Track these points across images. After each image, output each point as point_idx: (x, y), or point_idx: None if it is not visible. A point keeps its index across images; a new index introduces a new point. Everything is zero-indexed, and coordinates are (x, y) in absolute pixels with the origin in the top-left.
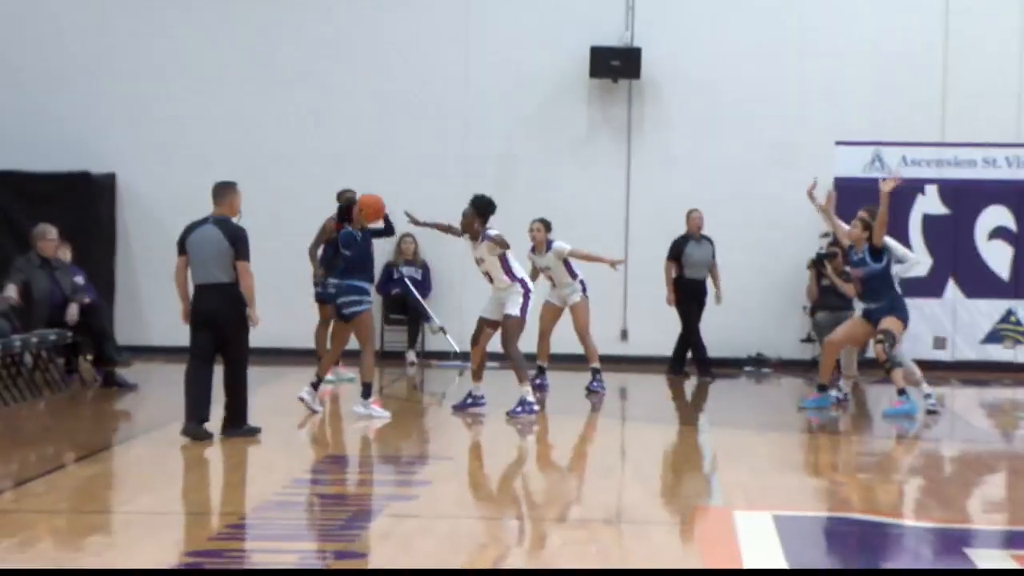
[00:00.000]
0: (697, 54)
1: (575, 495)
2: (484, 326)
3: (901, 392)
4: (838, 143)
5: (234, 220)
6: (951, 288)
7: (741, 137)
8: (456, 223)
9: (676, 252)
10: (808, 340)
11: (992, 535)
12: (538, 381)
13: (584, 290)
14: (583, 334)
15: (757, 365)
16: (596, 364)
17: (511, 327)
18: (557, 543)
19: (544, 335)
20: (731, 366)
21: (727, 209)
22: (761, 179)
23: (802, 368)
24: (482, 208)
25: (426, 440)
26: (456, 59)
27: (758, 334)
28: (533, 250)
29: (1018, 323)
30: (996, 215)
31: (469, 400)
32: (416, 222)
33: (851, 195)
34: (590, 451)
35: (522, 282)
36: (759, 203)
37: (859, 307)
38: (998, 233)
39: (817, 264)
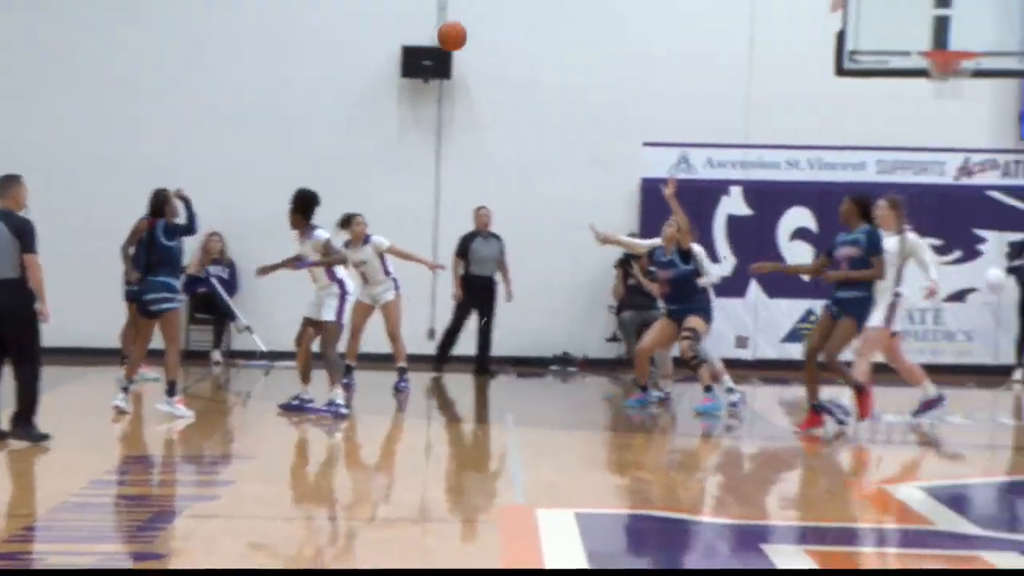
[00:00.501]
0: (508, 55)
1: (380, 494)
2: (306, 326)
3: (707, 389)
4: (646, 144)
5: (19, 214)
6: (753, 288)
7: (551, 138)
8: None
9: (463, 249)
10: (614, 339)
11: (788, 531)
12: (345, 380)
13: (397, 288)
14: (394, 334)
15: (563, 364)
16: (403, 363)
17: (329, 332)
18: (361, 542)
19: (355, 334)
20: (537, 365)
21: (535, 209)
22: (571, 179)
23: (607, 367)
24: (301, 202)
25: (230, 440)
26: (271, 59)
27: (564, 333)
28: (348, 244)
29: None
30: (798, 216)
31: (296, 401)
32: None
33: (658, 195)
34: (396, 450)
35: (340, 283)
36: (568, 203)
37: (664, 308)
38: (800, 234)
39: (624, 264)
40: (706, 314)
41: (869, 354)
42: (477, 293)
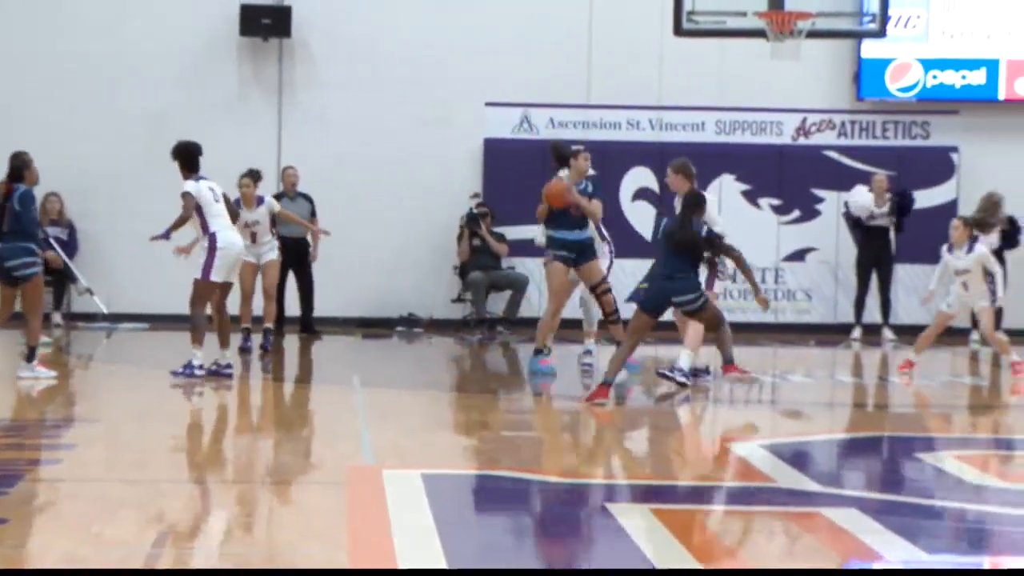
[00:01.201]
0: (349, 13)
1: (226, 456)
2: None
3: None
4: (488, 104)
5: None
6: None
7: (394, 97)
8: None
9: None
10: (459, 300)
11: (633, 489)
12: (241, 344)
13: (279, 248)
14: (271, 293)
15: (409, 325)
16: (272, 324)
17: (194, 288)
18: (206, 504)
19: (247, 297)
20: (383, 326)
21: (380, 168)
22: (414, 139)
23: (453, 327)
24: (177, 155)
25: (72, 403)
26: (105, 14)
27: (409, 294)
28: (239, 203)
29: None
30: (640, 176)
31: (214, 367)
32: None
33: (501, 156)
34: (243, 412)
35: (212, 237)
36: (411, 163)
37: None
38: (642, 194)
39: (470, 223)
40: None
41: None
42: (288, 254)
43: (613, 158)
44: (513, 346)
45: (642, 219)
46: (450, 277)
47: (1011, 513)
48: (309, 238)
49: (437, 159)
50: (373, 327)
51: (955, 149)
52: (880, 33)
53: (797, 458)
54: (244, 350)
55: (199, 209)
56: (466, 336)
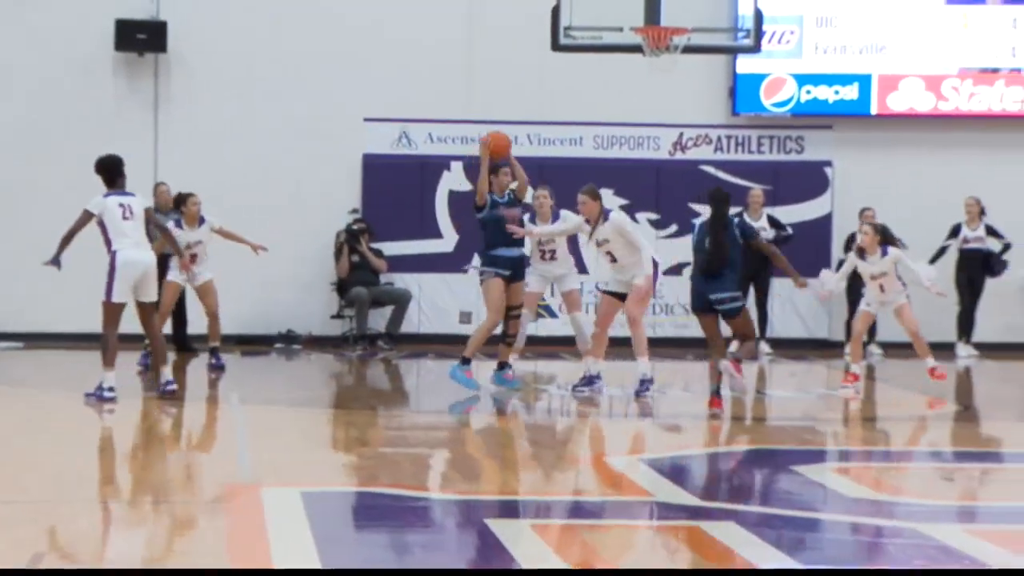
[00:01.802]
0: (225, 28)
1: (105, 475)
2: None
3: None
4: (367, 119)
5: None
6: (476, 262)
7: (271, 112)
8: None
9: None
10: (338, 316)
11: (513, 505)
12: (139, 361)
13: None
14: (214, 311)
15: (287, 342)
16: (217, 343)
17: (102, 310)
18: (86, 524)
19: (163, 316)
20: (261, 343)
21: (257, 184)
22: (291, 155)
23: (332, 344)
24: (98, 169)
25: None
26: None
27: (288, 310)
28: (180, 224)
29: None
30: None
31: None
32: None
33: (380, 171)
34: (121, 431)
35: (113, 255)
36: (289, 178)
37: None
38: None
39: (350, 239)
40: None
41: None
42: (160, 270)
43: None
44: (395, 362)
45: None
46: (329, 293)
47: (888, 525)
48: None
49: (315, 175)
50: (251, 344)
51: (829, 163)
52: (755, 49)
53: (676, 472)
54: (145, 368)
55: (103, 226)
56: (345, 352)
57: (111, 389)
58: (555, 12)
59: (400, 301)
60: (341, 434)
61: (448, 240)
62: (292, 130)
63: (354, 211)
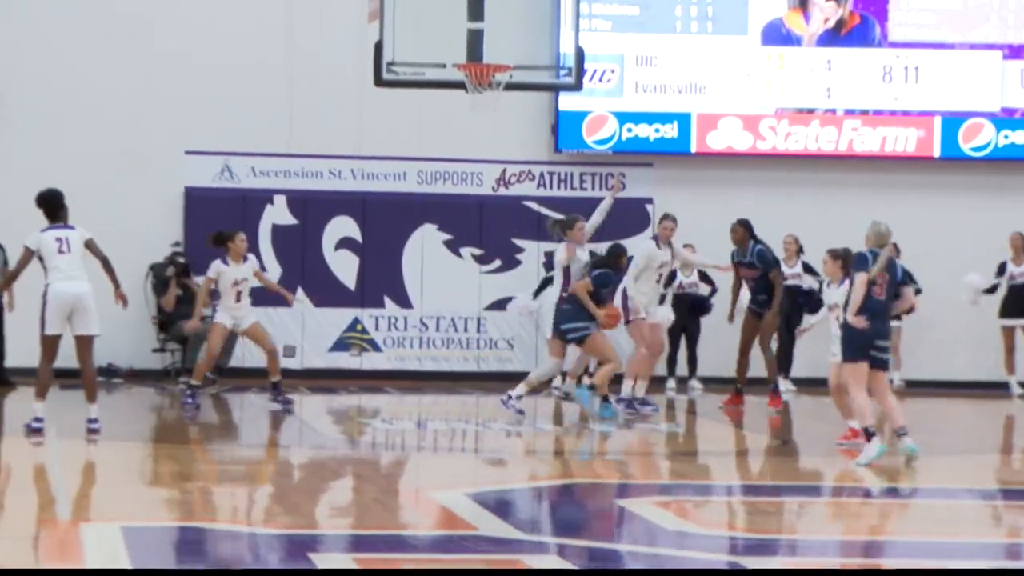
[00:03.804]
0: (44, 61)
1: None
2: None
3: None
4: (188, 152)
5: None
6: (300, 297)
7: (87, 145)
8: None
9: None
10: (161, 350)
11: (336, 539)
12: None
13: None
14: (271, 347)
15: (108, 375)
16: (278, 377)
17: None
18: None
19: (211, 358)
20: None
21: (75, 218)
22: (108, 188)
23: (153, 377)
24: (39, 204)
25: None
26: None
27: (107, 343)
28: (226, 261)
29: (364, 331)
30: (342, 225)
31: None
32: None
33: (202, 204)
34: None
35: (45, 288)
36: (106, 211)
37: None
38: (344, 243)
39: (179, 273)
40: None
41: None
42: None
43: (315, 207)
44: (223, 396)
45: (344, 268)
46: (148, 327)
47: (707, 557)
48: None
49: (135, 208)
50: (71, 377)
51: (650, 200)
52: (576, 86)
53: (500, 506)
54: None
55: (40, 260)
56: (166, 386)
57: (39, 420)
58: (378, 47)
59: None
60: (162, 468)
61: (272, 274)
62: (111, 163)
63: (176, 244)
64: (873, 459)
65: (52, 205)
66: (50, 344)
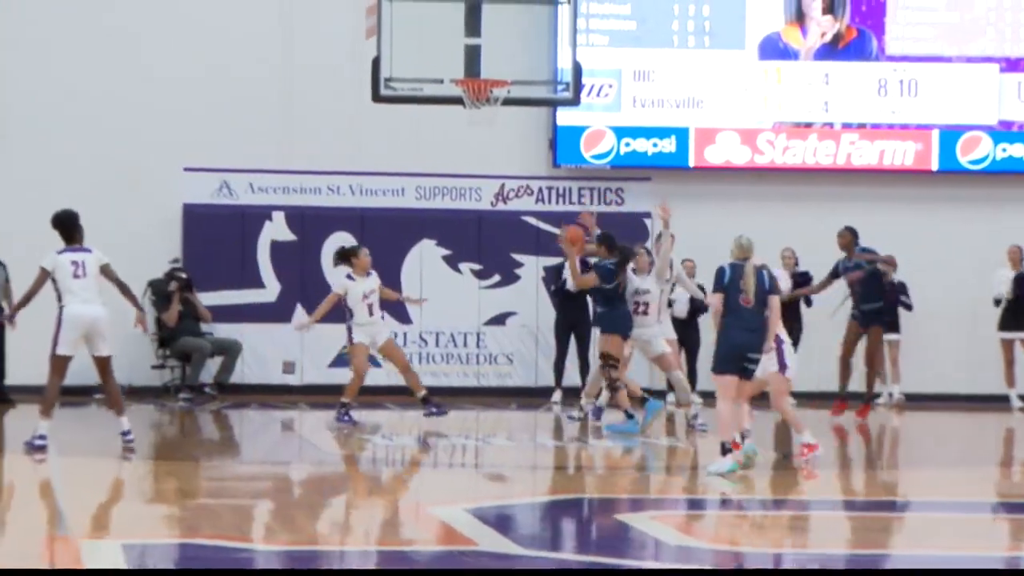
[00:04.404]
0: (44, 77)
1: None
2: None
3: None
4: (186, 169)
5: None
6: (299, 313)
7: (85, 161)
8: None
9: None
10: (161, 366)
11: (335, 555)
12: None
13: None
14: (405, 364)
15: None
16: (424, 392)
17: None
18: None
19: (359, 377)
20: (81, 393)
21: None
22: (106, 205)
23: (153, 394)
24: (54, 225)
25: None
26: None
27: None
28: (351, 276)
29: None
30: (341, 241)
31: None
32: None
33: (200, 221)
34: None
35: (60, 310)
36: (104, 228)
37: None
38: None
39: (183, 288)
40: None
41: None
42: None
43: (314, 223)
44: (224, 412)
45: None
46: (147, 343)
47: (708, 570)
48: (3, 303)
49: (133, 225)
50: (71, 395)
51: (648, 215)
52: (574, 101)
53: (500, 521)
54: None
55: (54, 281)
56: (166, 403)
57: (42, 438)
58: (375, 63)
59: (231, 351)
60: (162, 485)
61: (271, 290)
62: (110, 180)
63: (175, 261)
64: (724, 471)
65: (68, 226)
66: (61, 364)
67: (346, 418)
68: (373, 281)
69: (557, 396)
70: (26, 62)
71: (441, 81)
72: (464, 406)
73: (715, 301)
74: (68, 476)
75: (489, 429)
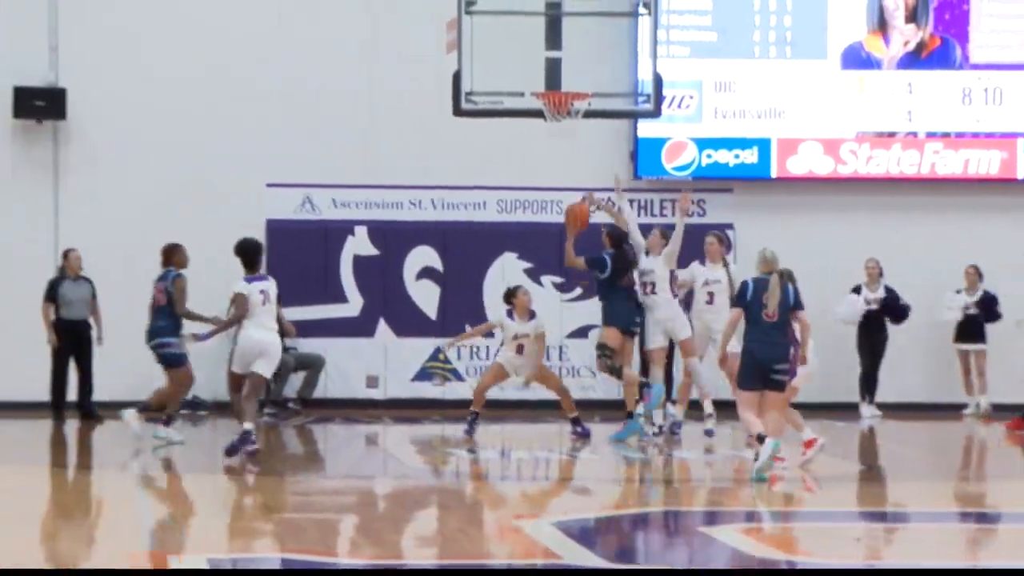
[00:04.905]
0: (125, 94)
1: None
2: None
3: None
4: (269, 185)
5: None
6: (382, 327)
7: (171, 179)
8: None
9: (51, 293)
10: None
11: (421, 571)
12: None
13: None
14: (558, 383)
15: (193, 408)
16: (575, 413)
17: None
18: None
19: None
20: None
21: (156, 249)
22: (193, 221)
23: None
24: (238, 254)
25: None
26: None
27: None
28: (511, 315)
29: (446, 361)
30: (423, 255)
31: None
32: None
33: (284, 237)
34: (23, 499)
35: (237, 331)
36: (190, 245)
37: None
38: (425, 273)
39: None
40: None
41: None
42: (70, 337)
43: (396, 238)
44: (308, 427)
45: (426, 298)
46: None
47: None
48: (90, 319)
49: (217, 241)
50: (156, 411)
51: (731, 226)
52: (655, 113)
53: (585, 534)
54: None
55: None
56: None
57: (247, 436)
58: (456, 78)
59: (314, 366)
60: (247, 500)
61: (353, 304)
62: (194, 197)
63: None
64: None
65: (251, 255)
66: (235, 380)
67: (469, 430)
68: (531, 326)
69: (641, 408)
70: (111, 81)
71: (522, 94)
72: (547, 419)
73: (734, 315)
74: (154, 491)
75: (573, 442)
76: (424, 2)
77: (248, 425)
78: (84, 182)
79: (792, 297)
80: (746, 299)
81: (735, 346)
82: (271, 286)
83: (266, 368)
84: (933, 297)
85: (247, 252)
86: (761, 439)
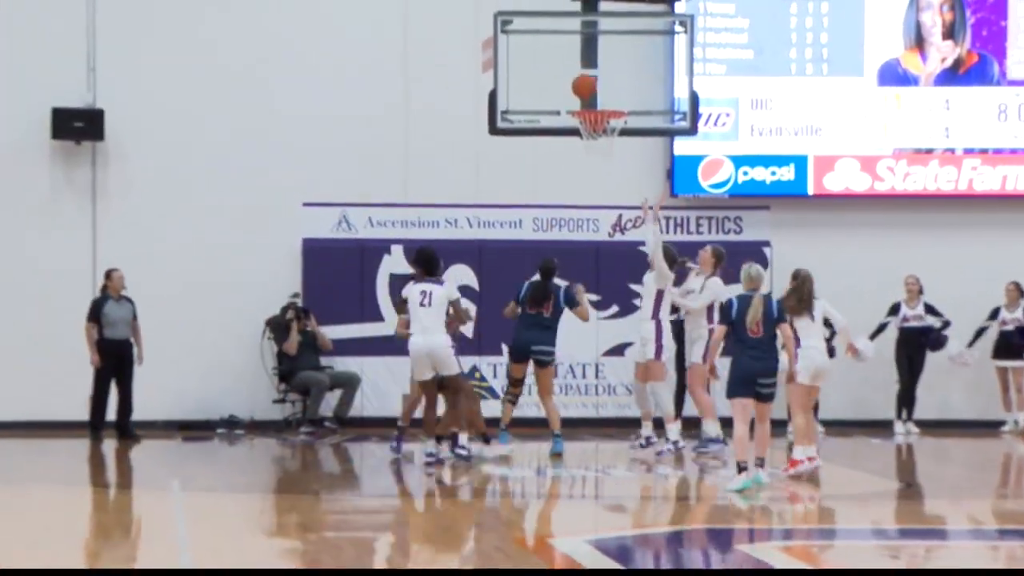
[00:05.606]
0: (162, 115)
1: (40, 564)
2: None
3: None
4: (306, 204)
5: None
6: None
7: (209, 199)
8: None
9: (94, 313)
10: (282, 400)
11: None
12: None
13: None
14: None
15: (229, 427)
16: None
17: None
18: None
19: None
20: (204, 428)
21: (196, 270)
22: (230, 241)
23: (275, 428)
24: (417, 260)
25: None
26: None
27: (229, 395)
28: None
29: (482, 378)
30: (460, 274)
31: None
32: None
33: (320, 256)
34: (62, 519)
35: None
36: (227, 264)
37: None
38: (462, 291)
39: (299, 316)
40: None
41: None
42: (113, 357)
43: None
44: (344, 445)
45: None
46: (269, 378)
47: None
48: (131, 339)
49: (254, 260)
50: (193, 430)
51: (767, 243)
52: (691, 131)
53: (621, 553)
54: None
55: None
56: (288, 437)
57: (431, 455)
58: (492, 96)
59: (350, 384)
60: (283, 519)
61: (390, 323)
62: (231, 216)
63: (295, 295)
64: (738, 488)
65: (428, 262)
66: (418, 389)
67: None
68: None
69: (676, 427)
70: (148, 101)
71: (558, 113)
72: (583, 437)
73: (718, 332)
74: (191, 510)
75: (608, 460)
76: (460, 21)
77: (459, 433)
78: (122, 202)
79: (776, 311)
80: (731, 317)
81: (697, 357)
82: (440, 290)
83: (447, 369)
84: (972, 314)
85: (420, 261)
86: (741, 469)
